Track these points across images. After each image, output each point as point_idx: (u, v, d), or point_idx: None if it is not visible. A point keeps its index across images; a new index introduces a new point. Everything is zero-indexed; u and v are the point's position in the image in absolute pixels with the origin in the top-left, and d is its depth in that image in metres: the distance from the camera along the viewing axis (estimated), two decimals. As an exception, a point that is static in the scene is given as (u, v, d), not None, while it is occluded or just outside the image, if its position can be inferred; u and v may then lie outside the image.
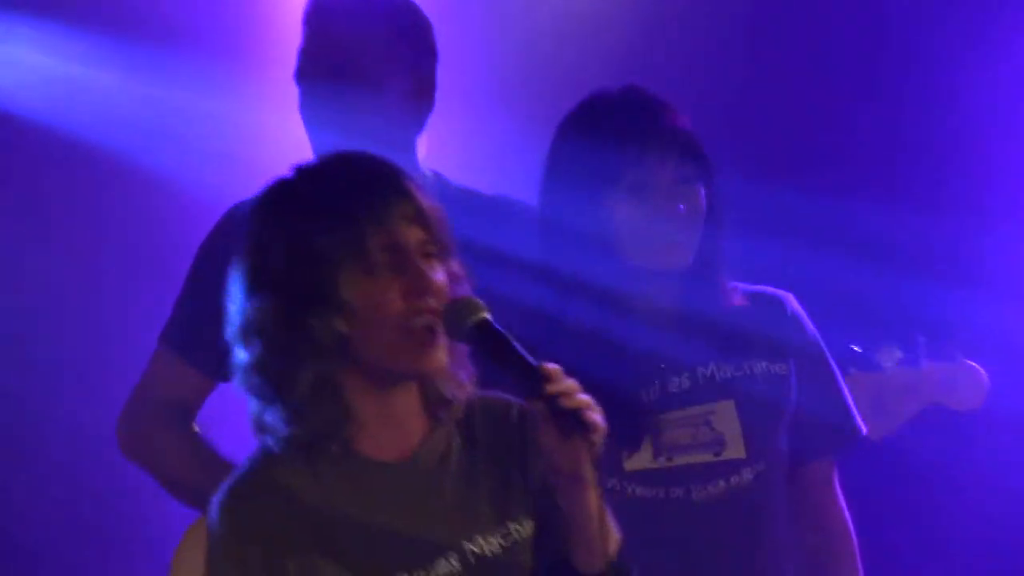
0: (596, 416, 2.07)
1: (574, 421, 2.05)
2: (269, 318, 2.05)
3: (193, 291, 3.16)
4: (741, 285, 3.09)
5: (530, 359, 2.08)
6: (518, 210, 3.15)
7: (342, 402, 2.09)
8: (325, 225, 2.04)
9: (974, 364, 3.88)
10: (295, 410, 2.07)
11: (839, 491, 3.16)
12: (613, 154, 2.90)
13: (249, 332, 2.06)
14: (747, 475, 2.95)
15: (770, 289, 3.12)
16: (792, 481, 3.08)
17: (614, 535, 2.25)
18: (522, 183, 4.22)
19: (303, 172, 2.13)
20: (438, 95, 3.14)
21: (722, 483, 2.95)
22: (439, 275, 2.09)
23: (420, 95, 3.05)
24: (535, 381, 2.04)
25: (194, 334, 3.06)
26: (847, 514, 3.15)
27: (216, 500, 2.10)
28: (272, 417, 2.08)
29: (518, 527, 2.20)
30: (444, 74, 3.84)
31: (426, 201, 2.11)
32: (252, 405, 2.10)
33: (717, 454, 2.97)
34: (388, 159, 2.18)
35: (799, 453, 3.06)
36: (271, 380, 2.06)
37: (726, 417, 2.98)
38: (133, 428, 3.23)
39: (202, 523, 2.77)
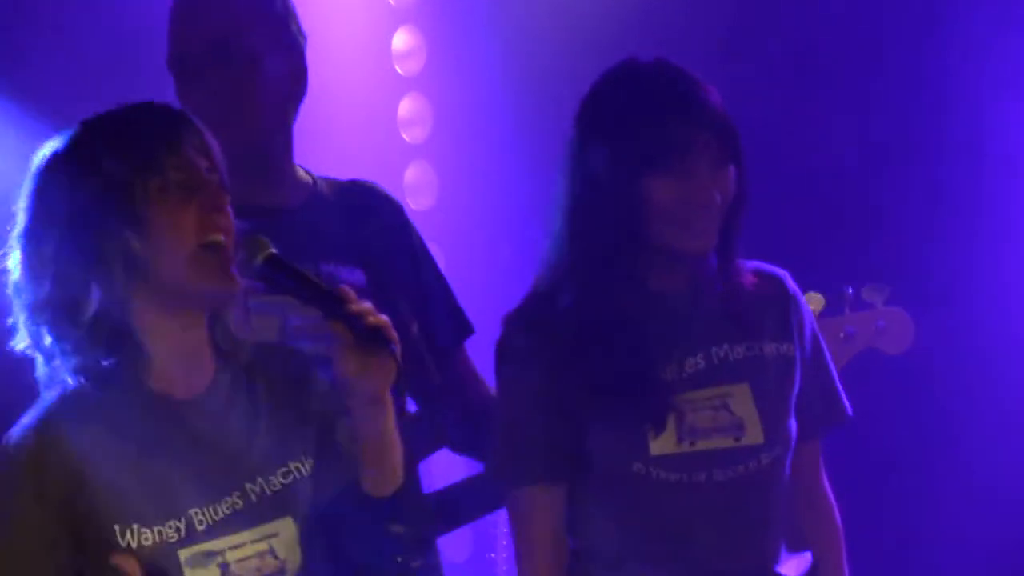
0: (393, 332, 2.16)
1: (376, 336, 2.14)
2: (57, 247, 2.14)
3: None
4: (747, 263, 3.09)
5: (325, 286, 2.19)
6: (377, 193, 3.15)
7: (132, 333, 2.16)
8: (120, 151, 2.15)
9: (900, 309, 4.03)
10: (86, 337, 2.15)
11: (822, 465, 3.25)
12: (653, 134, 2.88)
13: (39, 270, 2.14)
14: (764, 459, 2.99)
15: (768, 266, 3.13)
16: (793, 461, 3.15)
17: (400, 465, 2.34)
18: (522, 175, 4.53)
19: (87, 122, 2.22)
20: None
21: (742, 468, 2.99)
22: (229, 207, 2.20)
23: (294, 76, 2.98)
24: (335, 304, 2.14)
25: None
26: (831, 492, 3.25)
27: (7, 439, 2.16)
28: (64, 350, 2.14)
29: (299, 466, 2.30)
30: (451, 72, 4.35)
31: (212, 141, 2.21)
32: (42, 352, 2.17)
33: (738, 439, 3.01)
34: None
35: (802, 428, 3.13)
36: (61, 310, 2.13)
37: (743, 400, 3.01)
38: None
39: None
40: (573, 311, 2.83)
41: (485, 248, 4.80)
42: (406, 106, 4.72)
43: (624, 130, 2.83)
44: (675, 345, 2.89)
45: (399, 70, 4.94)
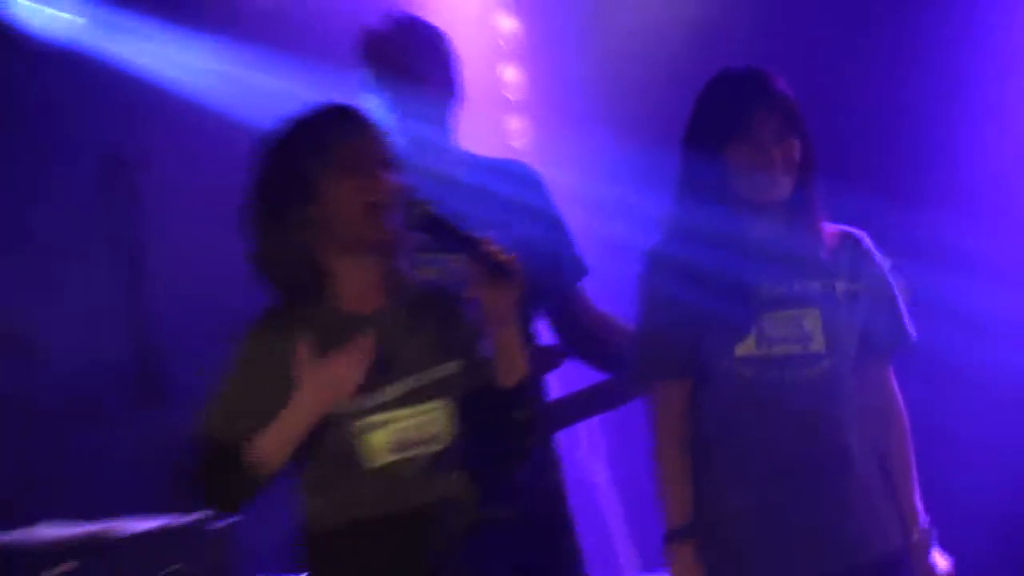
0: (516, 265, 2.94)
1: (503, 269, 2.90)
2: (261, 212, 2.97)
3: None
4: (831, 225, 3.73)
5: (466, 234, 2.98)
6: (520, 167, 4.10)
7: (320, 269, 2.99)
8: (301, 141, 2.97)
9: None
10: (290, 275, 2.98)
11: (894, 379, 3.85)
12: (732, 111, 3.60)
13: (253, 229, 2.97)
14: (825, 364, 3.62)
15: (852, 228, 3.77)
16: (864, 374, 3.75)
17: (524, 364, 3.13)
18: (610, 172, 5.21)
19: (294, 119, 3.02)
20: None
21: (807, 371, 3.61)
22: (392, 178, 2.98)
23: (451, 86, 3.93)
24: (474, 247, 2.91)
25: None
26: (899, 395, 3.83)
27: (246, 326, 2.99)
28: (276, 283, 2.98)
29: (449, 365, 3.04)
30: (545, 80, 5.01)
31: (383, 134, 3.02)
32: (265, 282, 3.01)
33: (805, 347, 3.63)
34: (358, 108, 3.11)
35: (870, 353, 3.74)
36: (270, 261, 2.95)
37: (812, 321, 3.63)
38: None
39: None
40: (690, 250, 3.59)
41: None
42: (512, 123, 5.54)
43: (714, 111, 3.59)
44: (764, 277, 3.59)
45: (507, 96, 5.71)
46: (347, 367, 3.05)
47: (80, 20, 5.51)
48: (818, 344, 3.66)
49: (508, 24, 5.84)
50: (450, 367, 3.12)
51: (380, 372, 3.05)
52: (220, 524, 4.98)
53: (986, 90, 5.73)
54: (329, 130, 3.02)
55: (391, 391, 3.07)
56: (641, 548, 5.77)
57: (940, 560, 3.81)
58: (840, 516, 3.72)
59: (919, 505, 3.83)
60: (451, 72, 3.94)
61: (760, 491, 3.74)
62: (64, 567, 4.79)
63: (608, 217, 5.44)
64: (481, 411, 3.19)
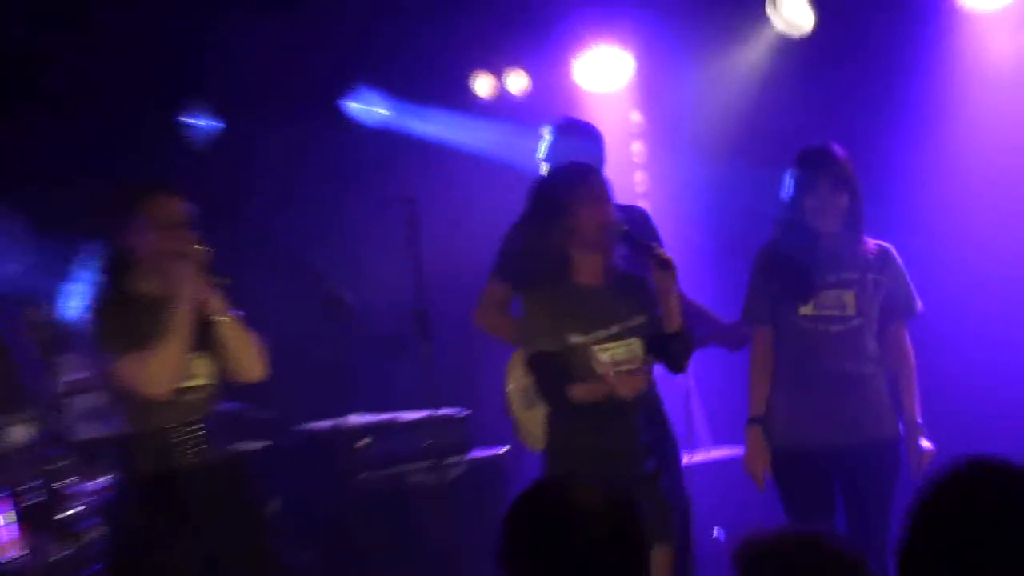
0: (673, 263, 4.63)
1: (666, 263, 4.59)
2: (534, 225, 4.65)
3: (500, 257, 5.75)
4: (872, 239, 5.27)
5: (642, 241, 4.71)
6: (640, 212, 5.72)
7: (567, 257, 4.59)
8: (561, 186, 4.64)
9: None
10: (540, 261, 4.59)
11: (908, 337, 5.37)
12: (807, 178, 5.17)
13: (522, 238, 4.73)
14: (854, 324, 5.19)
15: (883, 242, 5.32)
16: (885, 332, 5.29)
17: (680, 319, 4.76)
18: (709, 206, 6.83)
19: (554, 171, 4.80)
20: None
21: (842, 325, 5.20)
22: (611, 209, 4.59)
23: (601, 155, 5.64)
24: (648, 250, 4.64)
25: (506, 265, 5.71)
26: (910, 344, 5.36)
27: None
28: (529, 269, 4.65)
29: (640, 318, 4.75)
30: (658, 123, 6.73)
31: (602, 182, 4.72)
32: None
33: (842, 312, 5.21)
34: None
35: (892, 317, 5.29)
36: (535, 251, 4.58)
37: (849, 297, 5.21)
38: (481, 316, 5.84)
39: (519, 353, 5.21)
40: (781, 248, 5.26)
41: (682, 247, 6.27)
42: (638, 178, 7.38)
43: (797, 175, 5.22)
44: (822, 269, 5.20)
45: (634, 149, 7.68)
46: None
47: (387, 112, 7.87)
48: (851, 311, 5.22)
49: (635, 116, 7.79)
50: (640, 319, 4.84)
51: (602, 319, 4.81)
52: (460, 414, 6.82)
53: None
54: (580, 177, 4.82)
55: (607, 332, 4.79)
56: (712, 430, 7.37)
57: (926, 443, 5.29)
58: (854, 410, 5.24)
59: (918, 410, 5.31)
60: (602, 147, 5.77)
61: (805, 392, 5.26)
62: (364, 441, 6.71)
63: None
64: (657, 345, 4.92)
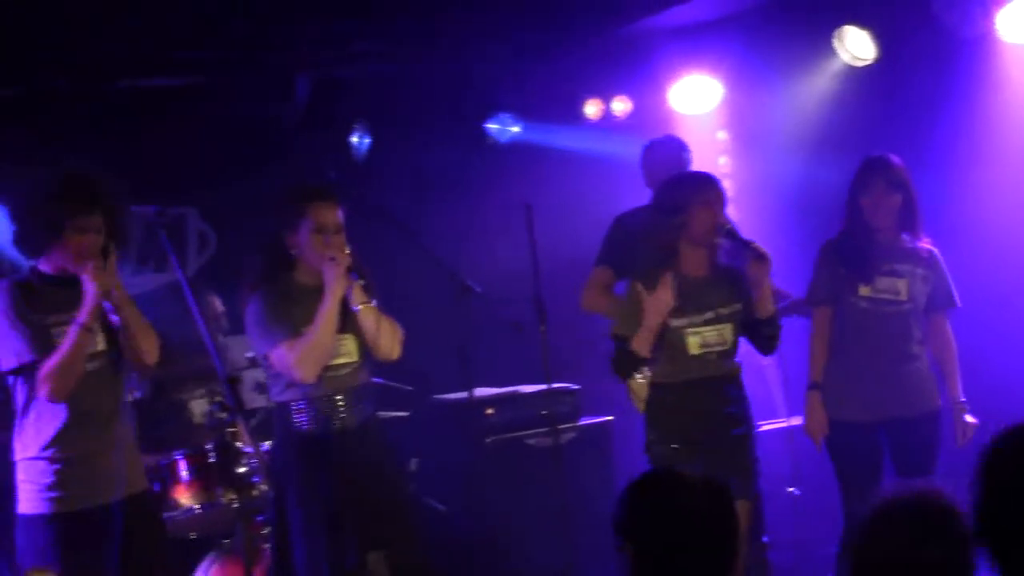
0: (769, 256, 5.00)
1: (763, 255, 5.00)
2: (655, 225, 5.12)
3: (605, 246, 6.54)
4: (925, 241, 5.62)
5: (742, 238, 5.04)
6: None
7: (676, 251, 4.96)
8: (687, 187, 5.06)
9: None
10: (660, 253, 4.97)
11: (949, 325, 5.76)
12: (864, 181, 5.57)
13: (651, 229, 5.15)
14: (905, 308, 5.57)
15: (932, 244, 5.67)
16: (931, 319, 5.70)
17: (772, 307, 5.16)
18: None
19: (679, 176, 5.26)
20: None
21: (895, 308, 5.56)
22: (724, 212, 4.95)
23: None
24: (747, 244, 5.03)
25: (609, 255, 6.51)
26: (951, 331, 5.74)
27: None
28: (644, 257, 5.07)
29: (735, 305, 5.23)
30: (742, 139, 7.32)
31: (721, 192, 5.05)
32: None
33: (895, 297, 5.58)
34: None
35: (935, 308, 5.69)
36: (652, 245, 5.01)
37: (902, 284, 5.56)
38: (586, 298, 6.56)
39: None
40: (844, 239, 5.65)
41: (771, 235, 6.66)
42: (725, 185, 6.52)
43: (856, 179, 5.64)
44: (880, 259, 5.58)
45: (720, 162, 8.18)
46: (667, 300, 4.98)
47: (517, 128, 8.44)
48: (903, 296, 5.58)
49: (722, 134, 8.30)
50: (735, 306, 5.21)
51: (699, 306, 5.13)
52: (572, 388, 7.34)
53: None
54: (701, 182, 5.17)
55: (702, 317, 5.15)
56: (787, 400, 7.38)
57: (969, 417, 5.65)
58: (903, 384, 5.58)
59: (959, 387, 5.70)
60: (689, 157, 6.48)
61: (859, 367, 5.59)
62: (491, 410, 7.31)
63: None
64: (751, 329, 5.27)
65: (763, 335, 5.28)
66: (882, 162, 5.57)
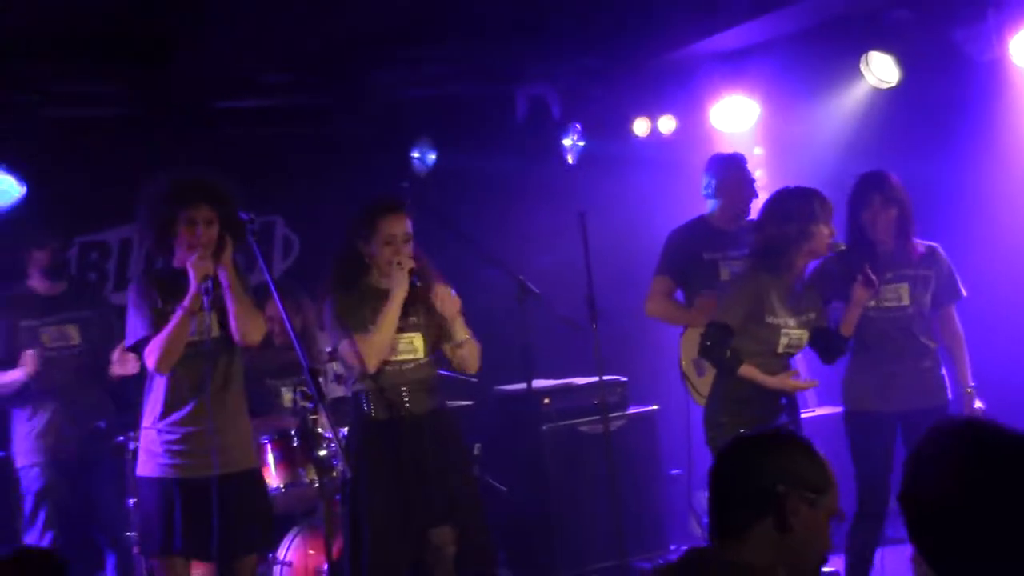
0: (874, 281, 5.38)
1: (872, 284, 5.37)
2: (775, 233, 5.32)
3: (664, 258, 6.96)
4: (922, 241, 5.81)
5: (864, 264, 5.28)
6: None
7: (792, 258, 5.27)
8: (810, 203, 5.26)
9: None
10: (778, 257, 5.22)
11: (957, 317, 5.93)
12: (862, 193, 5.80)
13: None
14: (909, 311, 5.81)
15: (932, 243, 5.85)
16: (941, 313, 5.89)
17: (853, 329, 5.56)
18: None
19: (794, 190, 5.35)
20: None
21: (900, 312, 5.81)
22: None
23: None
24: (863, 270, 5.33)
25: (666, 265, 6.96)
26: (959, 323, 5.90)
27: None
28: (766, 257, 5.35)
29: (814, 312, 5.63)
30: (776, 155, 7.63)
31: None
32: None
33: (899, 302, 5.83)
34: None
35: (942, 302, 5.89)
36: (774, 250, 5.21)
37: (905, 290, 5.81)
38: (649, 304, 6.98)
39: (690, 330, 6.42)
40: (849, 258, 5.71)
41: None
42: (761, 196, 7.11)
43: (856, 193, 5.90)
44: (884, 267, 5.74)
45: (756, 175, 7.95)
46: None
47: (581, 143, 8.74)
48: (906, 301, 5.84)
49: (758, 150, 8.47)
50: (815, 314, 5.56)
51: (797, 310, 5.38)
52: (621, 380, 7.69)
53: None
54: (824, 200, 5.33)
55: (797, 320, 5.43)
56: (817, 392, 7.86)
57: (978, 403, 5.84)
58: (912, 382, 5.84)
59: (969, 375, 5.87)
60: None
61: (873, 367, 5.89)
62: (547, 400, 7.59)
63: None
64: (824, 339, 5.56)
65: (838, 348, 5.69)
66: (878, 177, 5.83)
